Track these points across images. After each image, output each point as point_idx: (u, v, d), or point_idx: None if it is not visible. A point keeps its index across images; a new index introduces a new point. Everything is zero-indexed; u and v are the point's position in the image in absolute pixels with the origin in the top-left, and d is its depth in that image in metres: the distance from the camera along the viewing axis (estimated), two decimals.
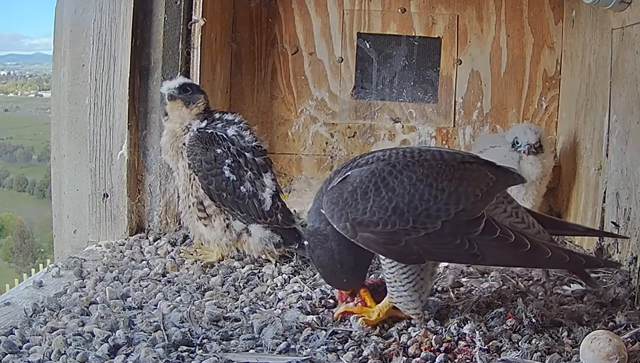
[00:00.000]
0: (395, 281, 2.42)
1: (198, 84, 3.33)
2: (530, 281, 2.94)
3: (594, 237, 3.32)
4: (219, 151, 3.05)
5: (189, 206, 3.15)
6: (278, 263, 3.14)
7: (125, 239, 3.45)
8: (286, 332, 2.34)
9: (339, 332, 2.38)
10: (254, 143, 3.15)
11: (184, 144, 3.10)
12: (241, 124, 3.18)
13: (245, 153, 3.11)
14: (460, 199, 2.32)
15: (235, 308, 2.60)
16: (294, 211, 3.41)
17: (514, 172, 2.55)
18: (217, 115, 3.20)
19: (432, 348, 2.26)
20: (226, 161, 3.05)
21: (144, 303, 2.63)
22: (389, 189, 2.32)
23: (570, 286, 2.85)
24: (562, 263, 2.40)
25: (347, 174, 2.42)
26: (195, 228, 3.19)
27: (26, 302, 2.60)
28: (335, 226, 2.37)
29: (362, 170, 2.39)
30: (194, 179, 3.09)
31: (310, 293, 2.77)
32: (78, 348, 2.18)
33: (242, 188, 3.05)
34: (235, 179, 3.05)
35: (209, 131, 3.10)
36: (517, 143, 3.65)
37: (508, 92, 4.32)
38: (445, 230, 2.30)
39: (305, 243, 2.55)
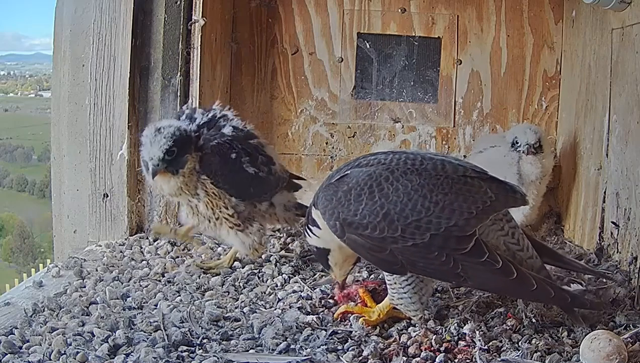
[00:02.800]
0: (395, 282, 2.42)
1: (181, 124, 2.91)
2: None
3: (594, 237, 3.32)
4: (233, 155, 2.97)
5: (216, 219, 3.03)
6: (278, 263, 3.14)
7: (125, 239, 3.45)
8: (286, 332, 2.34)
9: (339, 332, 2.38)
10: (246, 130, 3.09)
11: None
12: (235, 121, 3.10)
13: (249, 141, 3.07)
14: (453, 214, 2.30)
15: (235, 308, 2.60)
16: None
17: (517, 192, 2.48)
18: (217, 113, 3.10)
19: (432, 348, 2.26)
20: (244, 159, 3.00)
21: (144, 303, 2.63)
22: (382, 194, 2.32)
23: (570, 286, 2.84)
24: (547, 298, 2.38)
25: (346, 172, 2.43)
26: (227, 237, 3.09)
27: (26, 302, 2.61)
28: (326, 223, 2.39)
29: (360, 171, 2.40)
30: (223, 196, 2.98)
31: (310, 293, 2.77)
32: (78, 348, 2.18)
33: (260, 174, 3.05)
34: (255, 171, 3.02)
35: (214, 142, 2.96)
36: (517, 143, 3.65)
37: (508, 92, 4.31)
38: (433, 243, 2.28)
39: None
